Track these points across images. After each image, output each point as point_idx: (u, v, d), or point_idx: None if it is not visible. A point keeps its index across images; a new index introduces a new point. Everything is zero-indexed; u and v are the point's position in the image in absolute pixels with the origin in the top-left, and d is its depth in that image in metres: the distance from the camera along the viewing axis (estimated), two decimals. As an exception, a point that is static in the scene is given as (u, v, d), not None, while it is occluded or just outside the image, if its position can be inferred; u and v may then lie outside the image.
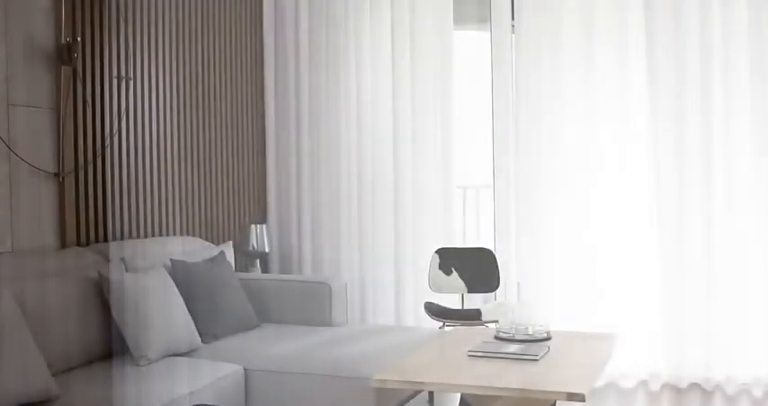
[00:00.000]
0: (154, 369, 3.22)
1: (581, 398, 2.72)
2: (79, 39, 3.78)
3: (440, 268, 4.75)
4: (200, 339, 3.62)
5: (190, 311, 3.66)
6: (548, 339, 3.47)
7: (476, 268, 4.75)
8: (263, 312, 4.17)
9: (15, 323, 2.77)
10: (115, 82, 4.06)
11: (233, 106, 5.03)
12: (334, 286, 4.20)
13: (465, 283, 4.75)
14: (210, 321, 3.74)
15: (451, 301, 4.90)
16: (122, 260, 3.65)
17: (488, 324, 4.34)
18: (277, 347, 3.61)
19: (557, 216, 4.74)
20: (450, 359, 3.21)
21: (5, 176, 3.44)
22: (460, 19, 5.13)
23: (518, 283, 4.87)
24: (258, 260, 4.88)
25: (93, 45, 3.91)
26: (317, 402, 3.31)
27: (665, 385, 4.53)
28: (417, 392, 3.65)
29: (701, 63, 4.45)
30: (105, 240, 3.96)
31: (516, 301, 4.54)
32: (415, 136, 4.96)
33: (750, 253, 4.43)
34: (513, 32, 4.88)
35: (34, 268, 3.28)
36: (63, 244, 3.72)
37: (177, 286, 3.68)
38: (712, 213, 4.47)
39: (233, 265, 4.27)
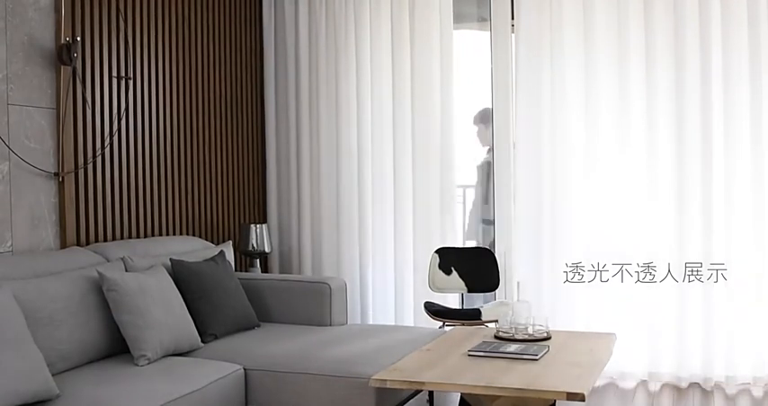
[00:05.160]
0: (153, 369, 3.22)
1: (581, 398, 2.72)
2: (79, 39, 3.78)
3: (440, 268, 4.75)
4: (199, 338, 3.61)
5: (190, 311, 3.66)
6: (548, 338, 3.47)
7: (476, 268, 4.75)
8: (263, 312, 4.17)
9: (15, 323, 2.77)
10: (115, 82, 4.06)
11: (233, 106, 5.03)
12: (334, 286, 4.19)
13: (465, 283, 4.74)
14: (210, 321, 3.74)
15: (451, 301, 4.90)
16: (122, 259, 3.65)
17: (488, 324, 4.34)
18: (277, 347, 3.60)
19: (557, 215, 4.74)
20: (450, 359, 3.21)
21: (5, 176, 3.44)
22: (460, 18, 5.13)
23: (518, 283, 4.88)
24: (258, 260, 4.89)
25: (93, 45, 3.92)
26: (317, 402, 3.31)
27: (665, 385, 4.53)
28: (417, 392, 3.65)
29: (701, 61, 4.45)
30: (105, 240, 3.97)
31: (516, 301, 4.54)
32: (414, 135, 4.96)
33: (750, 254, 4.43)
34: (513, 32, 4.88)
35: (34, 267, 3.27)
36: (63, 244, 3.73)
37: (177, 285, 3.68)
38: (711, 214, 4.47)
39: (233, 265, 4.27)
